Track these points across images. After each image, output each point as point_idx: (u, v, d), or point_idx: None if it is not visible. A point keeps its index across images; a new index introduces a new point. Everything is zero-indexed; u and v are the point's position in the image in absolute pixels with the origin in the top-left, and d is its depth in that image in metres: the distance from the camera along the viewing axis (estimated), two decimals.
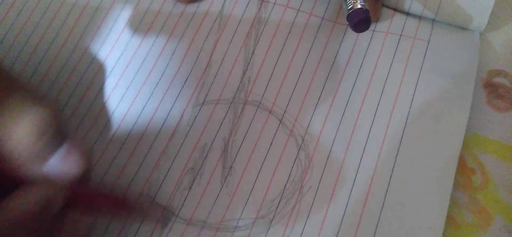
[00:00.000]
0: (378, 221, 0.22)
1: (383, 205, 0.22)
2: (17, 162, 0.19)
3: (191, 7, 0.28)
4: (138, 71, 0.27)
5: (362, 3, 0.23)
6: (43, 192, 0.19)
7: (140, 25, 0.28)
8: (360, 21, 0.23)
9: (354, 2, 0.23)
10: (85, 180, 0.22)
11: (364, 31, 0.23)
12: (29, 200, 0.18)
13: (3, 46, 0.28)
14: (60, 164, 0.19)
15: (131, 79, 0.27)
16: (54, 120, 0.19)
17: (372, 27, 0.26)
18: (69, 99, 0.27)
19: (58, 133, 0.19)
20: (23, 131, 0.18)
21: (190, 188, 0.24)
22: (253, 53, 0.27)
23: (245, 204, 0.23)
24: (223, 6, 0.28)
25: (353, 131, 0.24)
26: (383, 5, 0.27)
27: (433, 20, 0.26)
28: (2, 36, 0.29)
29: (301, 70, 0.26)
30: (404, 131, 0.24)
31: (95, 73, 0.27)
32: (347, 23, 0.26)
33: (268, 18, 0.27)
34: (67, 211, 0.20)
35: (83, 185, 0.21)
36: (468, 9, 0.25)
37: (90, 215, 0.21)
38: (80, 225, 0.20)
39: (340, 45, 0.26)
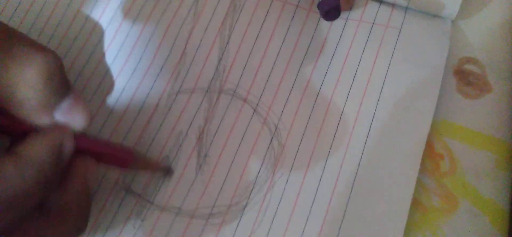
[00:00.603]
0: (347, 205, 0.23)
1: (351, 190, 0.23)
2: (26, 109, 0.19)
3: None
4: (114, 58, 0.27)
5: None
6: (55, 138, 0.19)
7: (117, 12, 0.28)
8: (331, 9, 0.23)
9: None
10: None
11: (334, 19, 0.24)
12: (43, 146, 0.18)
13: None
14: (68, 113, 0.20)
15: (107, 68, 0.27)
16: (59, 67, 0.19)
17: (345, 15, 0.26)
18: None
19: (64, 81, 0.20)
20: (30, 78, 0.18)
21: (165, 175, 0.24)
22: (228, 41, 0.27)
23: (219, 191, 0.24)
24: None
25: (324, 118, 0.25)
26: None
27: (406, 8, 0.26)
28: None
29: (276, 59, 0.26)
30: (373, 116, 0.24)
31: (72, 60, 0.27)
32: None
33: (243, 6, 0.27)
34: (76, 157, 0.20)
35: (88, 135, 0.21)
36: None
37: (98, 164, 0.21)
38: (90, 172, 0.21)
39: (313, 33, 0.26)
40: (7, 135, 0.20)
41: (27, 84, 0.18)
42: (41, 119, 0.19)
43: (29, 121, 0.19)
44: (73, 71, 0.27)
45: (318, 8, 0.23)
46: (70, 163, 0.20)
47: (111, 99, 0.26)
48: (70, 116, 0.20)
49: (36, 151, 0.18)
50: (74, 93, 0.20)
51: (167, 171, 0.24)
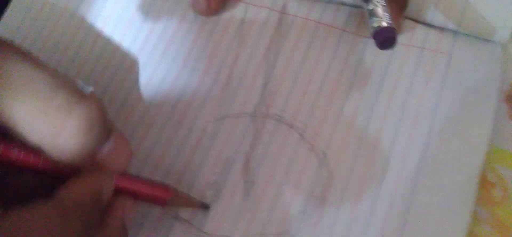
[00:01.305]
0: (401, 235, 0.22)
1: (406, 220, 0.23)
2: (67, 155, 0.19)
3: (212, 19, 0.28)
4: (159, 87, 0.27)
5: (388, 21, 0.23)
6: (95, 182, 0.19)
7: (161, 38, 0.28)
8: (387, 40, 0.23)
9: (380, 20, 0.23)
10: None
11: (390, 48, 0.23)
12: (83, 192, 0.19)
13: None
14: (109, 156, 0.20)
15: (152, 96, 0.27)
16: (101, 115, 0.19)
17: None
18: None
19: (105, 127, 0.20)
20: (71, 127, 0.18)
21: (213, 203, 0.24)
22: (273, 66, 0.27)
23: (268, 219, 0.24)
24: (243, 19, 0.28)
25: (375, 145, 0.24)
26: (404, 17, 0.26)
27: (455, 32, 0.26)
28: (32, 41, 0.29)
29: (322, 84, 0.26)
30: (426, 145, 0.24)
31: (116, 90, 0.27)
32: (369, 36, 0.26)
33: (289, 30, 0.27)
34: (115, 197, 0.21)
35: (127, 175, 0.22)
36: (491, 21, 0.25)
37: (136, 202, 0.22)
38: (128, 213, 0.21)
39: (361, 57, 0.26)
40: (49, 177, 0.20)
41: (68, 133, 0.19)
42: (81, 164, 0.20)
43: (70, 165, 0.19)
44: (118, 99, 0.27)
45: (373, 38, 0.23)
46: (108, 203, 0.20)
47: (157, 128, 0.26)
48: (111, 159, 0.20)
49: (76, 197, 0.19)
50: (115, 136, 0.20)
51: (205, 208, 0.24)
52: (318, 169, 0.24)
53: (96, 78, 0.28)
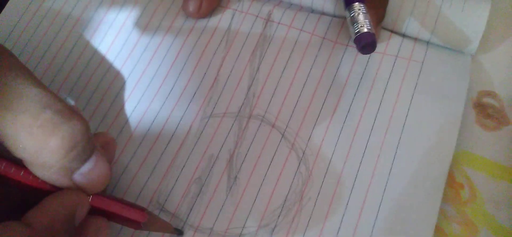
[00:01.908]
0: (372, 231, 0.24)
1: (376, 217, 0.24)
2: (47, 172, 0.20)
3: (201, 23, 0.30)
4: (149, 85, 0.28)
5: (369, 27, 0.25)
6: (70, 203, 0.20)
7: (152, 40, 0.29)
8: (367, 44, 0.24)
9: (361, 27, 0.25)
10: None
11: (370, 53, 0.25)
12: (57, 213, 0.19)
13: (25, 53, 0.30)
14: (87, 176, 0.21)
15: (142, 92, 0.28)
16: (84, 136, 0.20)
17: None
18: (83, 110, 0.28)
19: (87, 148, 0.21)
20: (53, 146, 0.19)
21: (198, 197, 0.26)
22: (258, 69, 0.28)
23: (249, 213, 0.25)
24: (230, 23, 0.29)
25: (350, 145, 0.26)
26: (381, 27, 0.28)
27: (428, 43, 0.28)
28: (23, 46, 0.30)
29: (303, 87, 0.28)
30: (397, 146, 0.25)
31: (109, 85, 0.29)
32: (347, 43, 0.28)
33: (273, 36, 0.29)
34: (89, 218, 0.21)
35: (104, 194, 0.22)
36: (461, 32, 0.27)
37: (110, 222, 0.22)
38: (101, 233, 0.21)
39: (339, 64, 0.28)
40: (27, 191, 0.21)
41: (50, 151, 0.19)
42: (60, 181, 0.20)
43: (49, 182, 0.20)
44: (108, 99, 0.28)
45: (354, 43, 0.25)
46: (81, 223, 0.21)
47: (146, 123, 0.27)
48: (89, 180, 0.21)
49: (47, 220, 0.19)
50: (96, 156, 0.21)
51: (178, 233, 0.25)
52: (297, 167, 0.26)
53: (91, 72, 0.29)
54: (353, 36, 0.25)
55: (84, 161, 0.21)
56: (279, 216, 0.25)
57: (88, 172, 0.21)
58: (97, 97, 0.28)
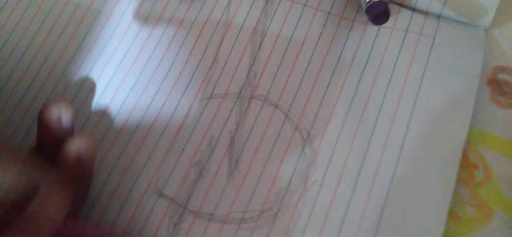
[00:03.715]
0: (381, 214, 0.23)
1: (386, 199, 0.23)
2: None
3: (199, 0, 0.28)
4: (146, 64, 0.27)
5: None
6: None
7: (149, 18, 0.28)
8: (380, 14, 0.23)
9: None
10: (79, 205, 0.22)
11: (383, 23, 0.24)
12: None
13: (7, 46, 0.29)
14: (38, 211, 0.19)
15: (139, 73, 0.27)
16: (15, 176, 0.19)
17: None
18: (77, 92, 0.27)
19: (28, 183, 0.19)
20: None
21: (198, 181, 0.24)
22: (259, 48, 0.27)
23: (251, 197, 0.24)
24: (230, 0, 0.28)
25: (358, 125, 0.24)
26: (390, 1, 0.27)
27: (439, 16, 0.26)
28: (5, 38, 0.29)
29: (307, 65, 0.26)
30: (408, 125, 0.24)
31: (104, 66, 0.28)
32: (354, 18, 0.27)
33: (275, 12, 0.27)
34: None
35: (69, 223, 0.21)
36: (474, 5, 0.25)
37: None
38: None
39: (346, 40, 0.26)
40: None
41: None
42: (10, 218, 0.19)
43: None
44: (105, 77, 0.27)
45: (366, 13, 0.23)
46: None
47: (142, 107, 0.26)
48: (39, 214, 0.19)
49: None
50: (46, 191, 0.20)
51: None
52: (302, 149, 0.25)
53: (81, 60, 0.28)
54: (365, 6, 0.23)
55: (30, 197, 0.19)
56: (282, 200, 0.24)
57: (37, 205, 0.19)
58: (92, 78, 0.27)
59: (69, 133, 0.23)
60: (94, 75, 0.27)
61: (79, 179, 0.22)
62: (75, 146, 0.22)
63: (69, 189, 0.21)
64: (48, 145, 0.23)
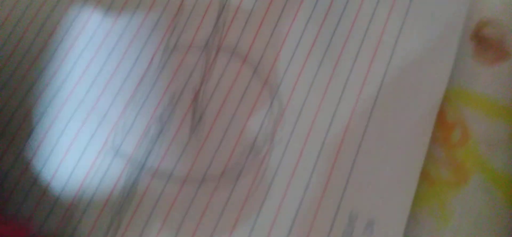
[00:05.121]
0: (349, 175, 0.21)
1: (355, 158, 0.21)
2: None
3: None
4: (106, 13, 0.25)
5: None
6: None
7: None
8: None
9: None
10: None
11: None
12: None
13: None
14: None
15: (98, 24, 0.25)
16: None
17: None
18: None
19: None
20: None
21: (158, 137, 0.23)
22: None
23: (214, 156, 0.22)
24: None
25: (330, 77, 0.23)
26: None
27: None
28: None
29: (280, 15, 0.24)
30: (383, 79, 0.23)
31: (61, 16, 0.25)
32: None
33: None
34: None
35: None
36: None
37: None
38: None
39: None
40: None
41: None
42: None
43: None
44: (63, 29, 0.25)
45: None
46: None
47: (102, 54, 0.24)
48: None
49: None
50: None
51: None
52: (270, 105, 0.23)
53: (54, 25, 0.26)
54: None
55: None
56: (246, 159, 0.22)
57: None
58: (40, 41, 0.25)
59: None
60: (44, 34, 0.25)
61: None
62: None
63: None
64: None
